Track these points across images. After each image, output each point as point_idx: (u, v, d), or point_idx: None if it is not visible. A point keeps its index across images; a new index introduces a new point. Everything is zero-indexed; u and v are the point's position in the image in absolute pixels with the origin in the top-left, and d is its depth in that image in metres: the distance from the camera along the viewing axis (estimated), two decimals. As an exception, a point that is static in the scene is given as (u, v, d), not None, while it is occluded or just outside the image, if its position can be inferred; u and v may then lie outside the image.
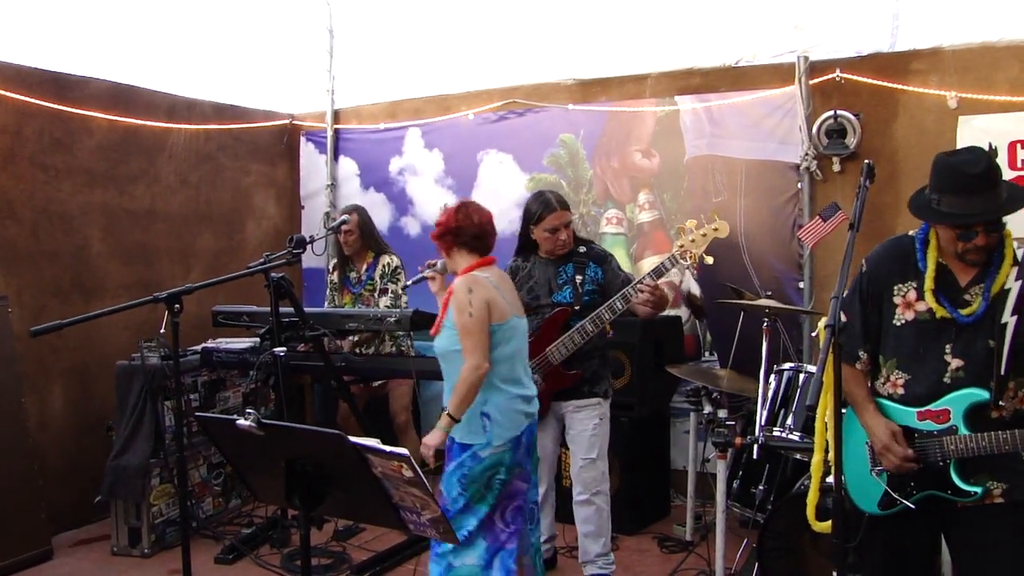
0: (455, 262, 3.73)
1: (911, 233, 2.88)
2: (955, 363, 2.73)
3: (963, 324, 2.72)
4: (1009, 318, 2.65)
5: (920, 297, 2.79)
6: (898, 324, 2.83)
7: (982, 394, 2.67)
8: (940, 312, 2.74)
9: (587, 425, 4.36)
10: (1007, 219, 2.71)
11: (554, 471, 4.65)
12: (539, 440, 4.43)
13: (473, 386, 3.49)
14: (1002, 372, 2.65)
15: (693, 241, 4.15)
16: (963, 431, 2.69)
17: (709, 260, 4.20)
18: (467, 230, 3.65)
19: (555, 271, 4.42)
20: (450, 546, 3.54)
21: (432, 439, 3.54)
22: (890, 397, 2.88)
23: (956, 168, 2.67)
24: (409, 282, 4.48)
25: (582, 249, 4.47)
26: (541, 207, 4.34)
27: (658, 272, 4.21)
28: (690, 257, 4.16)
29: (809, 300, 5.50)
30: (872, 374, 2.95)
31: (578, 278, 4.36)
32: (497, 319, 3.54)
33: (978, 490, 2.70)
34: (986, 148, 2.75)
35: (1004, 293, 2.68)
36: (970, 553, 2.79)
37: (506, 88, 6.51)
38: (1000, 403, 2.67)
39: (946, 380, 2.74)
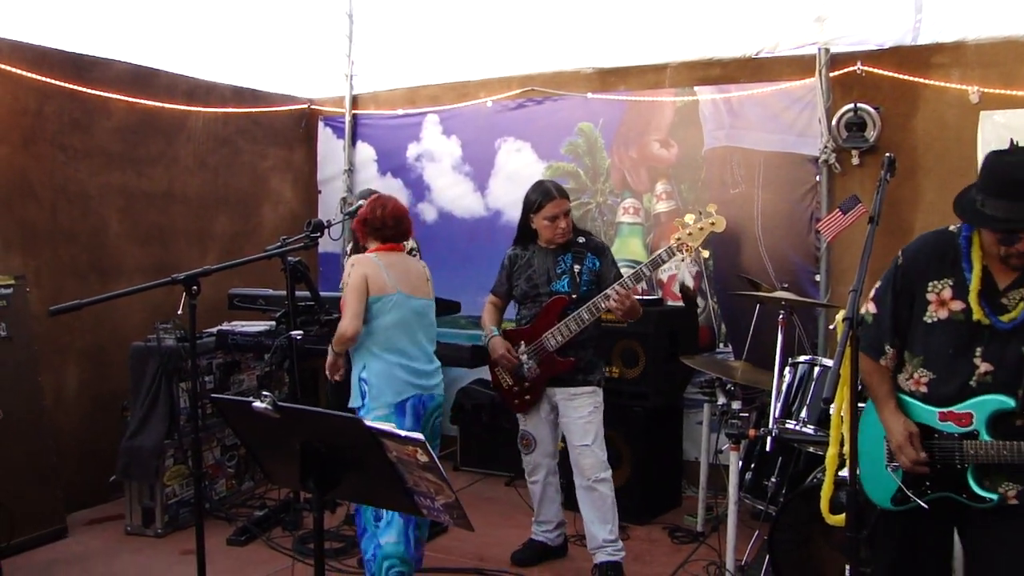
0: (368, 246, 4.23)
1: (952, 229, 2.78)
2: (984, 367, 2.66)
3: (999, 330, 2.64)
4: None
5: (955, 296, 2.71)
6: (929, 322, 2.76)
7: (1007, 402, 2.62)
8: (978, 316, 2.66)
9: (582, 412, 4.40)
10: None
11: (555, 457, 4.67)
12: (534, 426, 4.58)
13: (339, 340, 3.99)
14: None
15: (691, 235, 4.25)
16: (985, 437, 2.64)
17: (705, 254, 4.33)
18: (371, 223, 4.16)
19: (554, 260, 4.46)
20: (374, 526, 3.92)
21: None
22: (912, 394, 2.82)
23: (1003, 171, 2.57)
24: None
25: (581, 239, 4.51)
26: (541, 196, 4.41)
27: (655, 263, 4.32)
28: (687, 250, 4.26)
29: (825, 293, 5.48)
30: (896, 367, 2.88)
31: (576, 268, 4.41)
32: (375, 292, 3.99)
33: (994, 497, 2.64)
34: (1008, 144, 2.71)
35: None
36: (983, 554, 2.75)
37: (525, 76, 6.49)
38: None
39: (972, 383, 2.68)
